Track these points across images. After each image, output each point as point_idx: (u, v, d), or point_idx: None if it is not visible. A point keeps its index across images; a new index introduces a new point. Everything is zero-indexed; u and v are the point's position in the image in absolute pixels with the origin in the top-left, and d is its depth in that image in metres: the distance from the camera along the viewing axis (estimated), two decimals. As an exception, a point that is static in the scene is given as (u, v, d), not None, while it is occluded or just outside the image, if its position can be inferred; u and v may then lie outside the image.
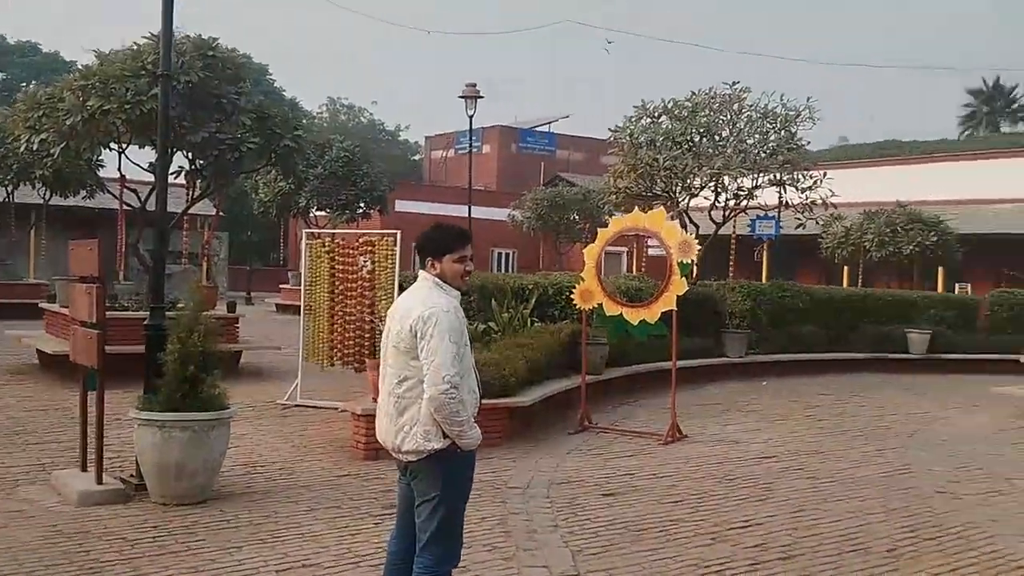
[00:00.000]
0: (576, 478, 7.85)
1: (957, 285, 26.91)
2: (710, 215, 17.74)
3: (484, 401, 9.04)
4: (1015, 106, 52.08)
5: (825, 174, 17.66)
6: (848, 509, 7.07)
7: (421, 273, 4.32)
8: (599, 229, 10.85)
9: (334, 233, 12.44)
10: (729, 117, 17.29)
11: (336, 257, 11.21)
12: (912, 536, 6.39)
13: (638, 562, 5.66)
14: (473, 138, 33.35)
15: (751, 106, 17.23)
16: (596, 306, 10.20)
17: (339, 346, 11.14)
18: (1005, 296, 19.35)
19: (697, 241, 10.26)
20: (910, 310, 18.44)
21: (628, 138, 17.23)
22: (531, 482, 7.65)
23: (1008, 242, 25.75)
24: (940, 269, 26.08)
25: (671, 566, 5.61)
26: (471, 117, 26.89)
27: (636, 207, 13.64)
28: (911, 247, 23.01)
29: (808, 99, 17.26)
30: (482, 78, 47.96)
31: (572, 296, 10.56)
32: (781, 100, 17.20)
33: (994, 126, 50.27)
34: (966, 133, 48.96)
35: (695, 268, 17.08)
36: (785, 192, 17.71)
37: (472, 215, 26.96)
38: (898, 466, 8.76)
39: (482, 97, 26.65)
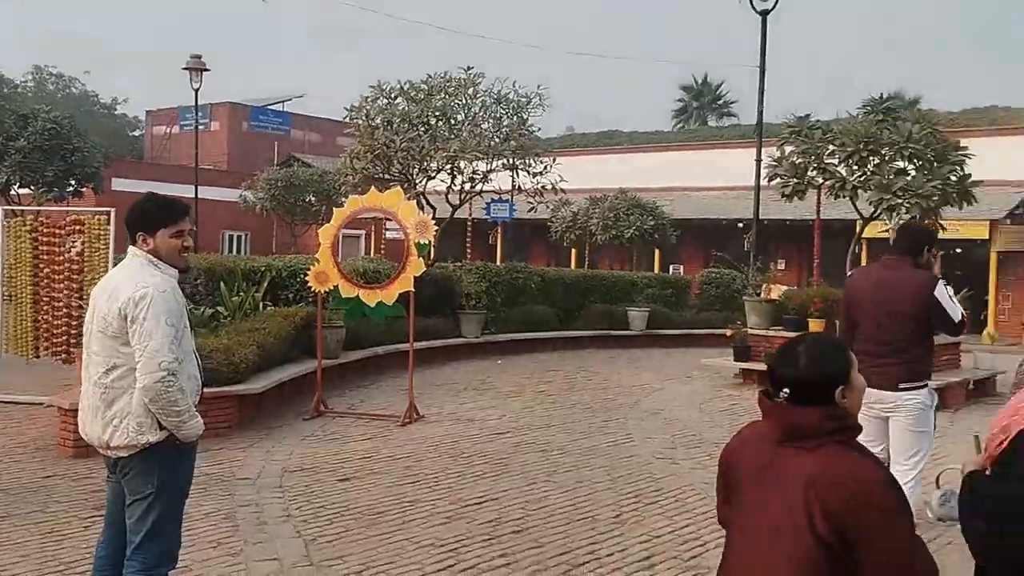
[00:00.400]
0: (311, 465, 7.61)
1: (671, 266, 29.06)
2: (447, 198, 17.90)
3: (212, 389, 8.52)
4: (720, 102, 56.94)
5: (554, 160, 18.37)
6: (577, 479, 7.35)
7: (131, 249, 3.93)
8: (335, 209, 10.58)
9: (38, 211, 11.27)
10: (464, 101, 17.51)
11: (40, 238, 10.16)
12: (635, 501, 6.75)
13: (374, 546, 5.56)
14: (200, 114, 31.58)
15: (485, 91, 17.55)
16: (332, 288, 9.95)
17: (45, 335, 10.12)
18: (713, 276, 21.06)
19: (434, 223, 10.27)
20: (631, 289, 19.62)
21: (365, 119, 17.00)
22: (262, 472, 7.32)
23: (715, 226, 28.09)
24: (657, 251, 27.99)
25: (407, 548, 5.55)
26: (196, 91, 25.46)
27: (373, 188, 13.44)
28: (631, 231, 24.45)
29: (539, 86, 17.85)
30: (207, 50, 45.46)
31: (307, 278, 10.22)
32: (514, 87, 17.67)
33: (703, 120, 54.69)
34: (679, 125, 52.88)
35: (432, 250, 17.23)
36: (518, 177, 18.25)
37: (200, 195, 25.57)
38: (621, 436, 9.26)
39: (208, 70, 25.30)
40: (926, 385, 5.39)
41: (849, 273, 6.19)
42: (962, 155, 13.33)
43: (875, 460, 2.39)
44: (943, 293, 5.29)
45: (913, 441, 5.34)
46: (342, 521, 6.06)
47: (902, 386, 5.26)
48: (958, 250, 23.22)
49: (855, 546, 2.20)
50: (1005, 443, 2.50)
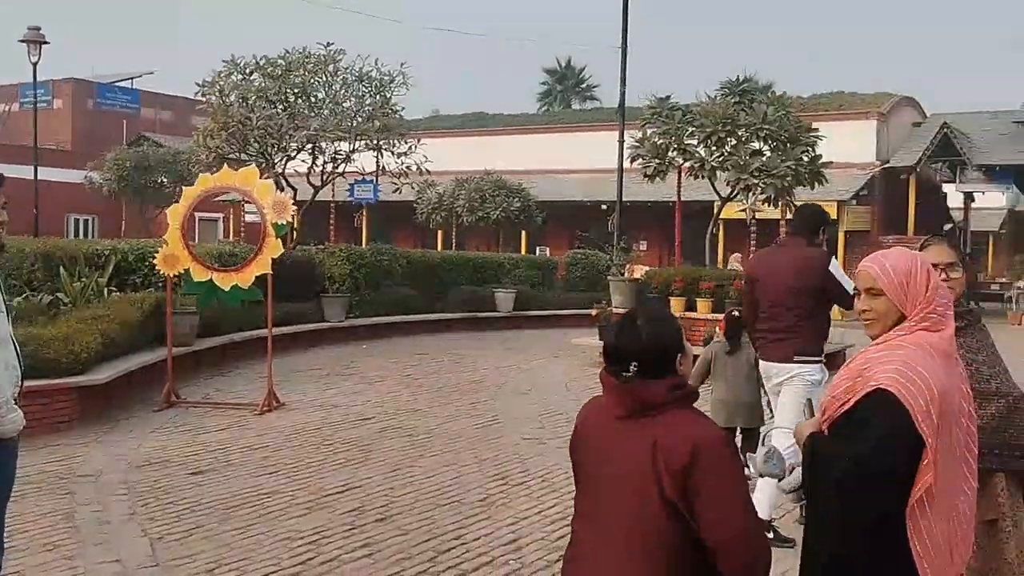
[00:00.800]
0: (160, 458, 7.16)
1: (538, 248, 29.24)
2: (308, 179, 17.40)
3: (49, 381, 7.94)
4: (584, 85, 57.65)
5: (419, 141, 18.13)
6: (443, 463, 7.19)
7: (-65, 226, 3.50)
8: (184, 188, 10.03)
9: None
10: (325, 78, 17.04)
11: None
12: (502, 484, 6.64)
13: (227, 542, 5.24)
14: (41, 91, 29.75)
15: (347, 68, 17.11)
16: (182, 272, 9.42)
17: None
18: (578, 257, 21.27)
19: (295, 204, 9.87)
20: (498, 271, 19.58)
21: (218, 95, 16.29)
22: (106, 468, 6.84)
23: (580, 208, 28.39)
24: (524, 233, 28.10)
25: (263, 543, 5.26)
26: (35, 65, 23.84)
27: (226, 167, 12.88)
28: (498, 212, 24.47)
29: (402, 65, 17.52)
30: (49, 23, 42.62)
31: (155, 262, 9.64)
32: (376, 64, 17.30)
33: (567, 103, 55.22)
34: (543, 108, 53.21)
35: (295, 232, 16.70)
36: (382, 157, 17.91)
37: (41, 176, 24.02)
38: (488, 418, 9.15)
39: (47, 43, 23.71)
40: (820, 360, 5.54)
41: (745, 254, 6.50)
42: (813, 137, 13.82)
43: (712, 421, 2.49)
44: (836, 267, 5.50)
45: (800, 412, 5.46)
46: (192, 517, 5.70)
47: (797, 358, 5.48)
48: (808, 230, 24.18)
49: (693, 500, 2.28)
50: (849, 404, 2.49)
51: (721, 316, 7.78)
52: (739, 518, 2.30)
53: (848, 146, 23.14)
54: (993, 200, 31.42)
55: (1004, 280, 28.68)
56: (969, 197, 28.42)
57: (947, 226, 31.94)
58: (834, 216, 24.26)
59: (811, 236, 5.64)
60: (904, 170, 24.88)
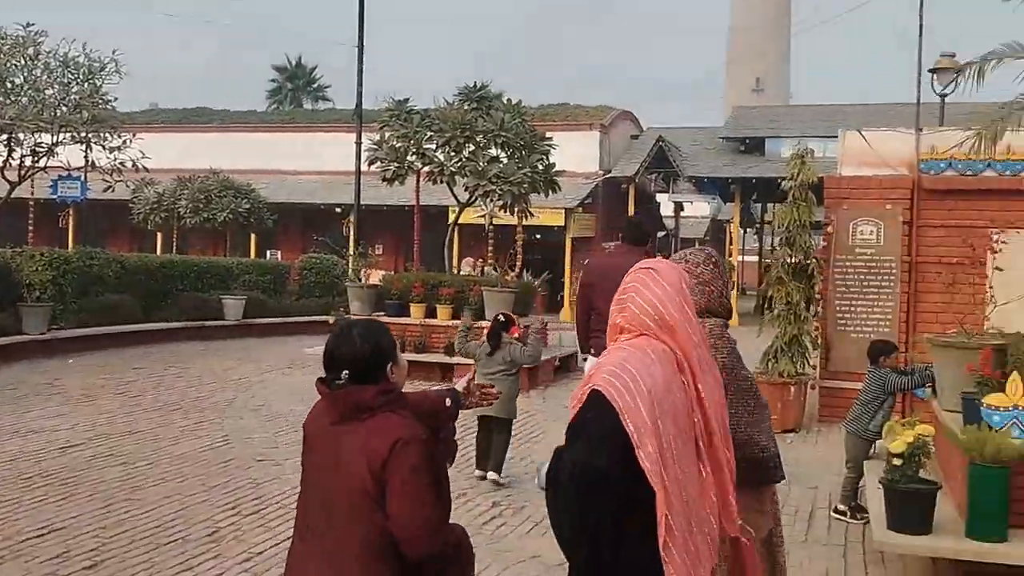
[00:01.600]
0: None
1: (269, 252, 28.07)
2: (3, 174, 15.52)
3: None
4: (315, 85, 56.36)
5: (135, 135, 16.76)
6: (165, 494, 6.46)
7: None
8: None
9: None
10: (23, 62, 15.28)
11: None
12: (234, 514, 6.05)
13: None
14: None
15: (49, 52, 15.46)
16: None
17: None
18: (313, 261, 20.57)
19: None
20: (226, 276, 18.47)
21: None
22: None
23: (314, 210, 27.57)
24: (253, 236, 26.86)
25: (-63, 609, 4.39)
26: None
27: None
28: (225, 214, 23.19)
29: (114, 52, 16.09)
30: None
31: None
32: (84, 49, 15.76)
33: (298, 102, 53.73)
34: (273, 107, 51.42)
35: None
36: (91, 152, 16.37)
37: None
38: (218, 438, 8.43)
39: None
40: None
41: (585, 261, 6.92)
42: (548, 146, 14.14)
43: (418, 423, 2.57)
44: None
45: None
46: None
47: None
48: (538, 236, 24.98)
49: (386, 493, 2.42)
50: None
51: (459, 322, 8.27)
52: (418, 512, 2.42)
53: (574, 156, 24.10)
54: (700, 209, 34.16)
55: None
56: (679, 206, 30.65)
57: (661, 234, 34.33)
58: (562, 223, 25.25)
59: (643, 245, 6.17)
60: (624, 180, 26.31)
